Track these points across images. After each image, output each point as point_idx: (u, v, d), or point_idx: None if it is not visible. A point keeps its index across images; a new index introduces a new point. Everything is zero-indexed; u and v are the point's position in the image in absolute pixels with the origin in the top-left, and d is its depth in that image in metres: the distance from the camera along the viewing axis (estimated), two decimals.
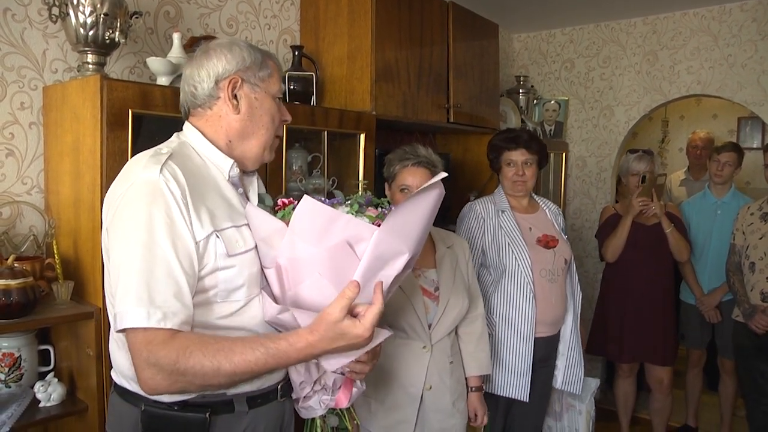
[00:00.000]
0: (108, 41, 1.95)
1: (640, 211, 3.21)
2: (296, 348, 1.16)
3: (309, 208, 1.22)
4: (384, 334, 1.33)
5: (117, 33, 1.94)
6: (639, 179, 3.27)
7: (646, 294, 3.28)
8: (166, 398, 1.28)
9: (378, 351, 1.52)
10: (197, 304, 1.24)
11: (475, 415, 2.25)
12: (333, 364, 1.30)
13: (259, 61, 1.38)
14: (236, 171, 1.38)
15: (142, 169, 1.22)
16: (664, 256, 3.30)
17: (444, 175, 1.35)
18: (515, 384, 2.49)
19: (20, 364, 1.85)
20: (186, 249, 1.20)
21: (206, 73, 1.35)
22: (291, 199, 1.38)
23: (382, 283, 1.20)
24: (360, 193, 1.40)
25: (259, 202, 1.45)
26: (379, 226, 1.23)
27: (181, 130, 1.42)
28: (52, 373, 1.89)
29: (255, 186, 1.47)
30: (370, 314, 1.16)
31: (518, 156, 2.58)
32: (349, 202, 1.34)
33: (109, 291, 1.30)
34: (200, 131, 1.37)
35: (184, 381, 1.14)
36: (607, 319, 3.40)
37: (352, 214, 1.27)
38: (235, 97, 1.35)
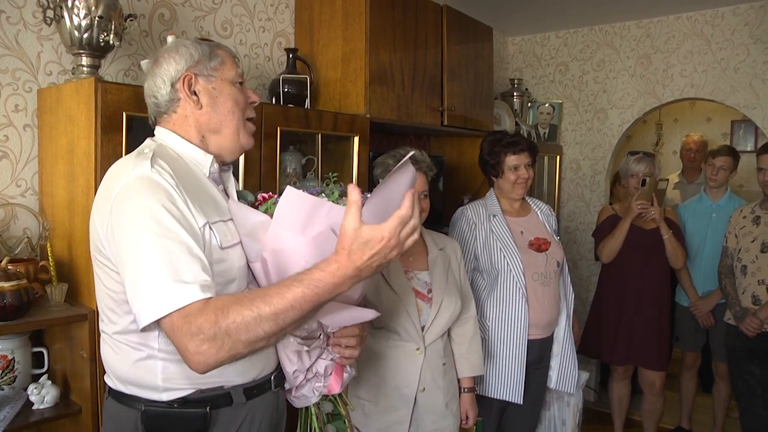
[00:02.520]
0: (102, 44, 1.95)
1: (639, 214, 3.21)
2: (329, 271, 1.13)
3: (293, 197, 1.24)
4: (371, 313, 1.36)
5: (111, 36, 1.94)
6: (638, 181, 3.25)
7: (640, 297, 3.27)
8: (165, 397, 1.29)
9: (365, 335, 1.57)
10: None
11: (466, 417, 2.26)
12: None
13: (207, 52, 1.40)
14: (216, 167, 1.40)
15: (132, 168, 1.24)
16: (661, 261, 3.28)
17: (411, 153, 1.38)
18: (509, 386, 2.50)
19: (14, 366, 1.85)
20: (194, 231, 1.22)
21: (161, 80, 1.37)
22: (271, 193, 1.41)
23: (413, 191, 1.17)
24: (332, 185, 1.42)
25: (239, 198, 1.48)
26: None
27: (153, 136, 1.43)
28: (45, 376, 1.90)
29: (233, 182, 1.49)
30: (393, 217, 1.13)
31: (523, 159, 2.60)
32: (325, 192, 1.37)
33: (104, 290, 1.31)
34: (173, 132, 1.39)
35: (230, 341, 1.11)
36: (601, 320, 3.40)
37: (333, 201, 1.29)
38: (194, 93, 1.37)
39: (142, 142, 1.41)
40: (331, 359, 1.51)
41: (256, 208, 1.40)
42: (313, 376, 1.50)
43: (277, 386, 1.48)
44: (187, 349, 1.12)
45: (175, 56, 1.37)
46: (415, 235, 1.17)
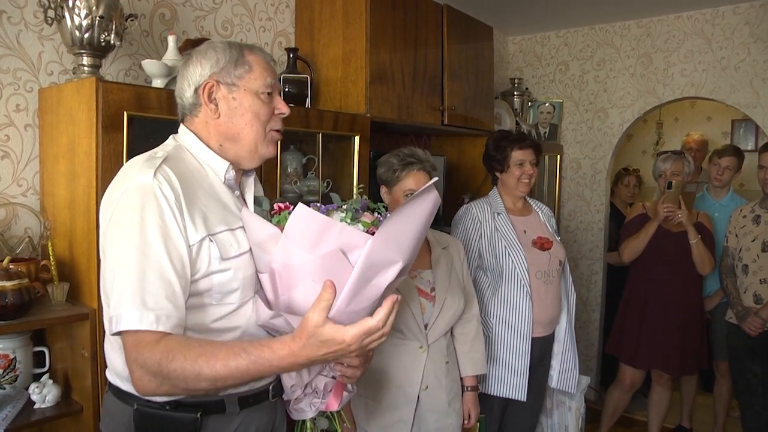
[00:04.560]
0: (103, 44, 1.95)
1: (665, 217, 3.18)
2: (279, 356, 1.14)
3: (303, 215, 1.22)
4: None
5: (112, 35, 1.95)
6: (665, 182, 3.21)
7: (664, 301, 3.21)
8: (158, 398, 1.29)
9: (371, 355, 1.53)
10: (192, 307, 1.24)
11: (469, 416, 2.26)
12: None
13: (235, 58, 1.36)
14: (232, 173, 1.38)
15: (137, 174, 1.23)
16: (687, 266, 3.20)
17: (435, 179, 1.35)
18: (513, 384, 2.50)
19: (15, 365, 1.86)
20: (178, 252, 1.21)
21: (187, 83, 1.37)
22: (287, 204, 1.37)
23: (396, 298, 1.18)
24: (355, 197, 1.39)
25: (255, 204, 1.45)
26: (373, 234, 1.22)
27: (177, 132, 1.42)
28: (47, 375, 1.90)
29: (252, 188, 1.47)
30: (360, 324, 1.12)
31: (528, 155, 2.60)
32: (345, 207, 1.35)
33: (104, 293, 1.31)
34: (194, 134, 1.38)
35: (169, 384, 1.15)
36: (625, 322, 3.38)
37: (347, 221, 1.27)
38: (214, 101, 1.35)
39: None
40: (332, 376, 1.48)
41: (271, 217, 1.37)
42: (311, 392, 1.48)
43: (275, 396, 1.46)
44: (133, 373, 1.17)
45: (202, 60, 1.35)
46: (382, 340, 1.18)
